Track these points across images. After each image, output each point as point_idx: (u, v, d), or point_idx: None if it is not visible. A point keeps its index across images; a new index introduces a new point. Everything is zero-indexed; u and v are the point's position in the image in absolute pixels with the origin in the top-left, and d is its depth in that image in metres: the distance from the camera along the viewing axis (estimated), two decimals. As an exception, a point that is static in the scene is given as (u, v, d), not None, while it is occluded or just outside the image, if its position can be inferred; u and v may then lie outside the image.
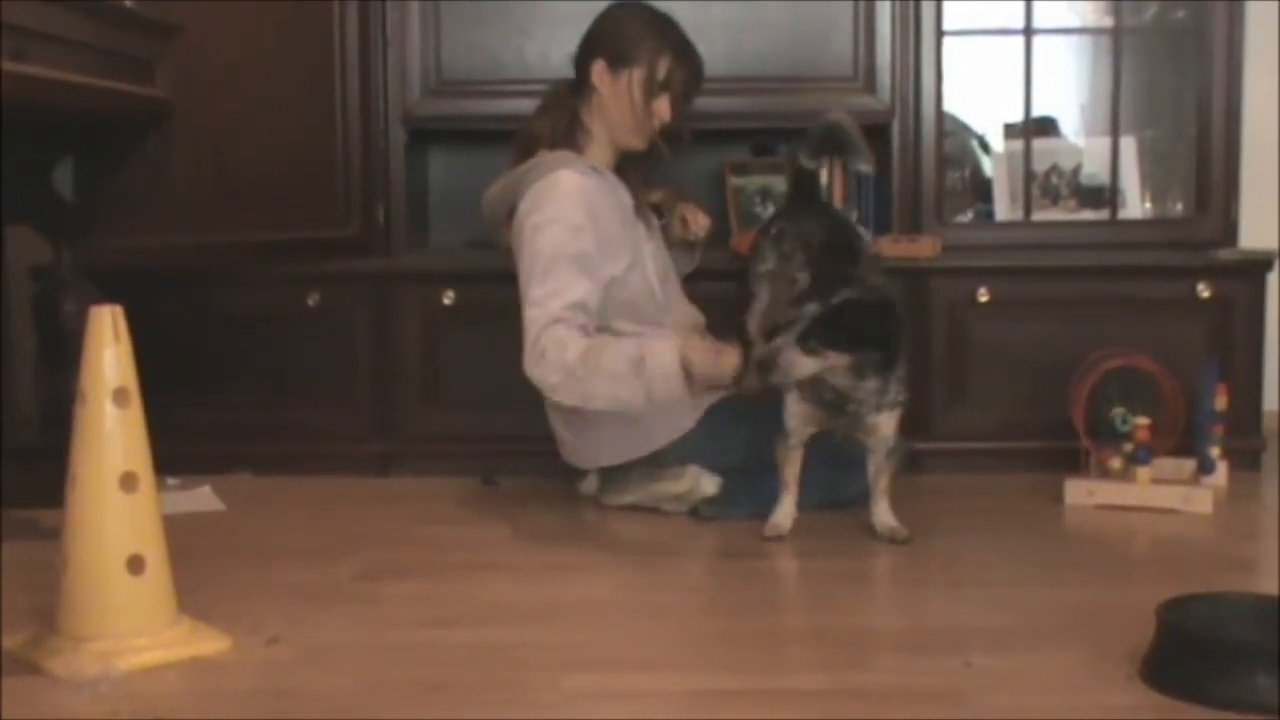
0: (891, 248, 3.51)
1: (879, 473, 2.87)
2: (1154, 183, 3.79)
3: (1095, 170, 3.73)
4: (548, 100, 3.14)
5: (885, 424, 2.83)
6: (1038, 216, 3.71)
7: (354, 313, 3.53)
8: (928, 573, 2.69)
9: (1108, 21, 3.76)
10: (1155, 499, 3.07)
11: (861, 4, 3.57)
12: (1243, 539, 2.94)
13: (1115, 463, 3.13)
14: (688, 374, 2.72)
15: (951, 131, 3.78)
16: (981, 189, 3.83)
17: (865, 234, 3.55)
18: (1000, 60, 3.72)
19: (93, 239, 3.12)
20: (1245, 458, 3.43)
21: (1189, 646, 1.99)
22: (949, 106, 3.68)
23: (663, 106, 3.05)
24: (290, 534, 2.97)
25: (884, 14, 3.57)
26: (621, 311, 3.00)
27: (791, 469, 2.89)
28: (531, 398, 3.06)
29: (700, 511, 3.04)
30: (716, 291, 3.33)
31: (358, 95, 3.53)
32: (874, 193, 3.74)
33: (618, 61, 3.04)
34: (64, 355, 2.89)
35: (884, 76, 3.59)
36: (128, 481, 2.12)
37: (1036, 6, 3.63)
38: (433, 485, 3.39)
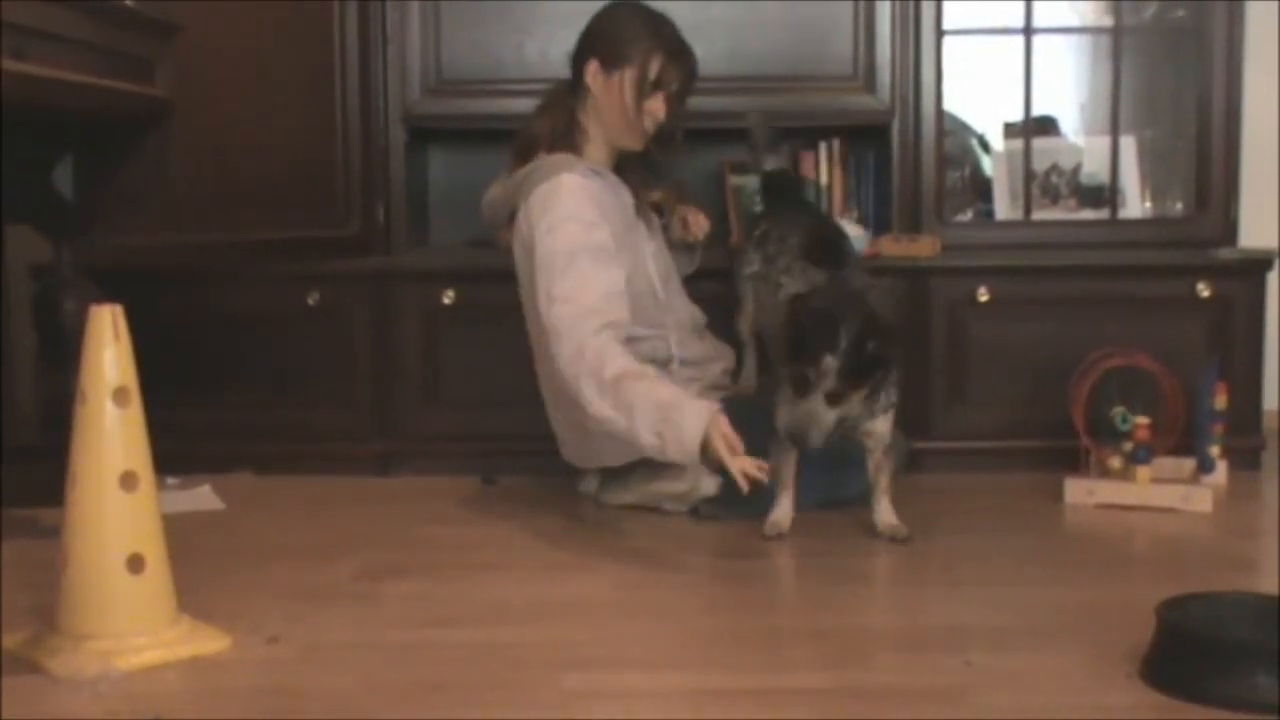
0: (891, 247, 3.52)
1: (878, 470, 2.88)
2: (1154, 182, 3.79)
3: (1095, 169, 3.73)
4: (547, 101, 3.14)
5: (880, 425, 2.86)
6: (1038, 216, 3.71)
7: (354, 312, 3.53)
8: (928, 573, 2.69)
9: (1107, 21, 3.76)
10: (1155, 498, 3.07)
11: (861, 3, 3.57)
12: (1242, 538, 2.94)
13: (1115, 462, 3.13)
14: (705, 446, 2.62)
15: (951, 131, 3.78)
16: (981, 188, 3.84)
17: (862, 233, 3.54)
18: (1000, 59, 3.72)
19: (93, 238, 3.12)
20: (1245, 457, 3.43)
21: (1189, 646, 1.99)
22: (949, 106, 3.68)
23: (656, 106, 3.04)
24: (290, 533, 2.97)
25: (884, 13, 3.57)
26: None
27: (787, 469, 2.89)
28: (531, 397, 3.07)
29: (700, 511, 3.04)
30: (717, 291, 3.34)
31: (358, 94, 3.53)
32: (874, 191, 3.75)
33: (611, 62, 3.03)
34: (64, 354, 2.89)
35: (884, 76, 3.59)
36: (128, 480, 2.12)
37: (1036, 6, 3.64)
38: (433, 485, 3.39)
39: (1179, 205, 3.76)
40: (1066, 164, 3.75)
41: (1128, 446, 3.10)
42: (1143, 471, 3.09)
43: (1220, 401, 3.26)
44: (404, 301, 3.52)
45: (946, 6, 3.58)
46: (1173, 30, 3.79)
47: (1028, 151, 3.68)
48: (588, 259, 2.85)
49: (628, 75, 3.02)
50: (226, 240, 3.30)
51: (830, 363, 2.67)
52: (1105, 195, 3.70)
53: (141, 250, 3.18)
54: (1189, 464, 3.23)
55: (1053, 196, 3.74)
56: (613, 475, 3.13)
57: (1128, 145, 3.71)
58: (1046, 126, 3.83)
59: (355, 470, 3.49)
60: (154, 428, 2.17)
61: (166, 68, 3.10)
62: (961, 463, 3.45)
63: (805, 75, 3.61)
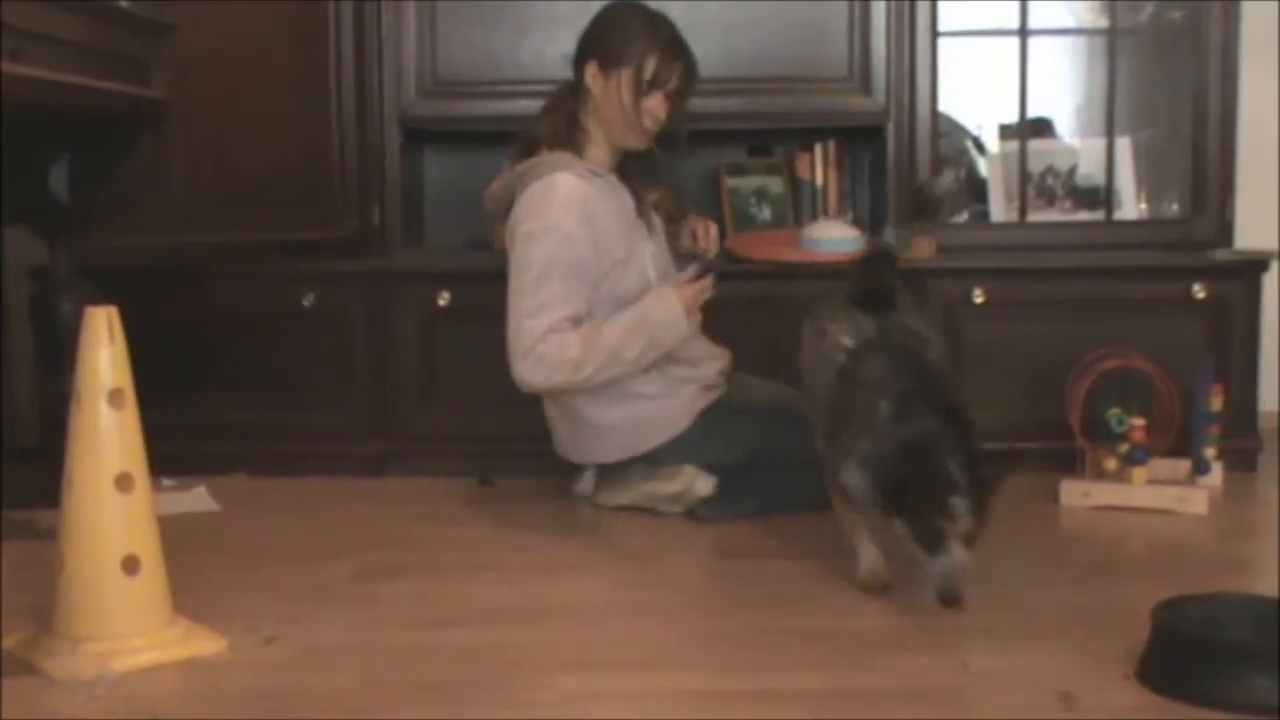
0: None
1: None
2: (1149, 183, 3.79)
3: (1091, 171, 3.73)
4: (549, 102, 3.14)
5: None
6: (1033, 217, 3.71)
7: (349, 313, 3.53)
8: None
9: (1103, 22, 3.76)
10: (1151, 500, 3.07)
11: (856, 4, 3.57)
12: (1238, 540, 2.94)
13: (1111, 463, 3.13)
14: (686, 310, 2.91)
15: (946, 132, 3.78)
16: (977, 190, 3.84)
17: (857, 234, 3.50)
18: (995, 61, 3.72)
19: (89, 239, 3.12)
20: (1241, 458, 3.43)
21: (1184, 647, 1.99)
22: (944, 107, 3.68)
23: (654, 105, 3.04)
24: (286, 534, 2.97)
25: (879, 14, 3.57)
26: (621, 310, 3.00)
27: (860, 529, 2.54)
28: (527, 398, 3.06)
29: (697, 512, 3.04)
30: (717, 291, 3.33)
31: (353, 95, 3.53)
32: (870, 192, 3.75)
33: (609, 62, 3.03)
34: (61, 355, 2.88)
35: (879, 77, 3.59)
36: (123, 482, 2.11)
37: (1031, 7, 3.64)
38: (429, 485, 3.39)
39: (1175, 207, 3.76)
40: (1062, 165, 3.75)
41: (1124, 448, 3.11)
42: (1139, 473, 3.09)
43: (1216, 403, 3.26)
44: (399, 302, 3.52)
45: (942, 8, 3.58)
46: (1168, 32, 3.79)
47: (1023, 153, 3.69)
48: (558, 279, 2.90)
49: (625, 75, 3.02)
50: (222, 241, 3.30)
51: (961, 505, 2.25)
52: (1101, 197, 3.71)
53: (137, 251, 3.17)
54: (1185, 465, 3.23)
55: (1048, 198, 3.75)
56: (609, 476, 3.13)
57: (1123, 147, 3.72)
58: (1042, 128, 3.84)
59: (351, 471, 3.48)
60: (149, 429, 2.17)
61: (162, 69, 3.10)
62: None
63: (800, 76, 3.61)
